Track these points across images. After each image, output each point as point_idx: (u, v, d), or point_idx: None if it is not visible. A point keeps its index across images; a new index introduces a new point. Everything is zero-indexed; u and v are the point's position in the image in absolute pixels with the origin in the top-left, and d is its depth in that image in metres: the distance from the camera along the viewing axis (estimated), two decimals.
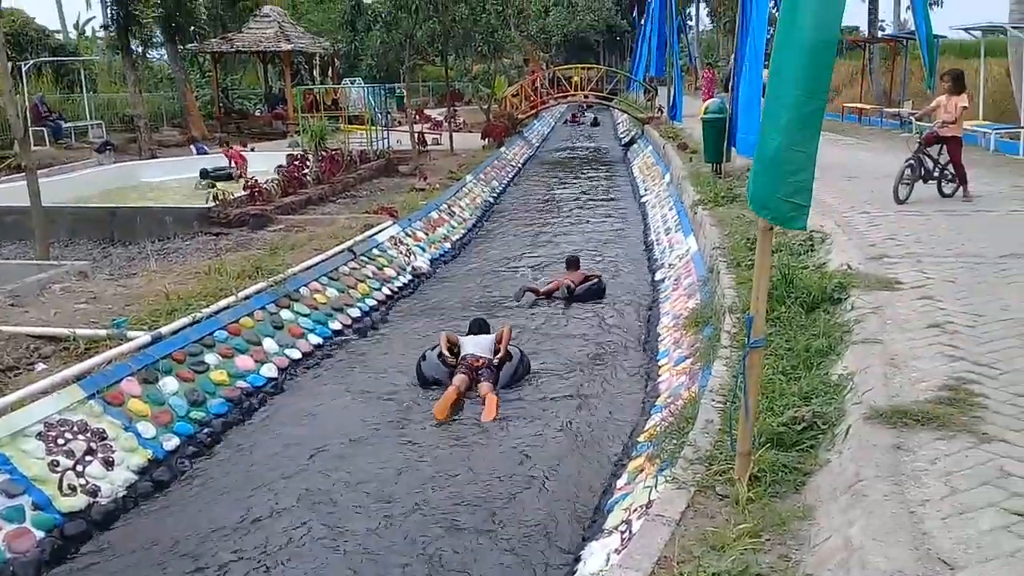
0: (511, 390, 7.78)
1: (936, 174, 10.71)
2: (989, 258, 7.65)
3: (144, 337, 7.29)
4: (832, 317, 6.37)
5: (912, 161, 10.47)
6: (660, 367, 7.95)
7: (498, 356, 7.97)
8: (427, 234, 13.93)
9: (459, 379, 7.62)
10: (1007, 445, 4.00)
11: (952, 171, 10.65)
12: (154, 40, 26.48)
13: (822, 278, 7.10)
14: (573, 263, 11.47)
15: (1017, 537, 3.26)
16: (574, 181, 23.15)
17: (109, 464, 5.98)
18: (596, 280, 11.10)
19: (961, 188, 10.63)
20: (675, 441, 5.24)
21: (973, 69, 18.39)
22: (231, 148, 19.62)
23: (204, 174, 18.40)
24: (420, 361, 8.08)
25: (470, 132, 27.73)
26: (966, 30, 18.99)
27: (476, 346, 8.07)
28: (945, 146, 10.56)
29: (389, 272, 11.58)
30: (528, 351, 8.50)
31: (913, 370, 5.03)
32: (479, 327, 8.59)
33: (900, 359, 5.21)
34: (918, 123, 10.87)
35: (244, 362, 7.93)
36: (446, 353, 8.09)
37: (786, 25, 3.74)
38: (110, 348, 7.05)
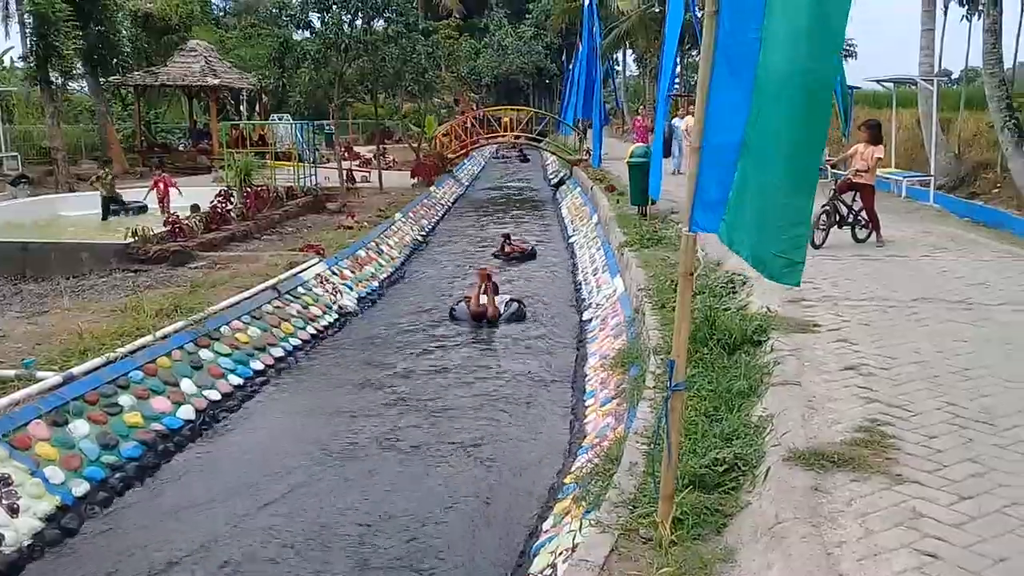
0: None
1: (850, 220, 11.10)
2: (902, 302, 7.92)
3: (54, 378, 7.02)
4: (752, 359, 6.50)
5: (827, 207, 10.83)
6: (587, 407, 7.98)
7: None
8: (354, 272, 13.79)
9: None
10: (919, 486, 4.12)
11: (865, 217, 11.06)
12: (75, 72, 25.81)
13: (743, 320, 7.25)
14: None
15: None
16: (504, 220, 23.26)
17: (14, 511, 5.71)
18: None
19: (874, 234, 11.03)
20: (600, 483, 5.25)
21: (886, 119, 19.19)
22: (161, 174, 19.11)
23: (107, 207, 17.74)
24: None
25: (400, 170, 27.70)
26: (879, 82, 19.85)
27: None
28: (859, 193, 10.96)
29: (315, 311, 11.41)
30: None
31: (830, 412, 5.15)
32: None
33: (817, 401, 5.34)
34: (833, 170, 11.28)
35: (160, 404, 7.68)
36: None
37: (775, 66, 3.64)
38: (18, 389, 6.77)
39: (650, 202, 14.80)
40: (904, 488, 4.11)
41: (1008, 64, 17.45)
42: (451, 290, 14.00)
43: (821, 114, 3.68)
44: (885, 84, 19.84)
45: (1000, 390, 5.46)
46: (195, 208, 15.86)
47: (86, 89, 28.90)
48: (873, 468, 4.32)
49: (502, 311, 11.71)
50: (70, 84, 30.02)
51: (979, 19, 16.81)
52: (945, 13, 19.09)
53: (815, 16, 3.48)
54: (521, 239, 17.47)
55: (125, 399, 7.39)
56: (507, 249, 16.56)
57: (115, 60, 27.66)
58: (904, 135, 19.89)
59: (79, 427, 6.76)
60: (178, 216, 14.58)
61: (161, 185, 18.10)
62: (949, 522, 3.77)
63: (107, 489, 6.47)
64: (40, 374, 7.08)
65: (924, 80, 17.21)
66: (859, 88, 23.26)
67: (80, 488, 6.30)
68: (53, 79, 23.50)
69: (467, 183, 33.02)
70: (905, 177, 16.97)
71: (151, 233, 13.50)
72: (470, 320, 11.64)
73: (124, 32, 28.76)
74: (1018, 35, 19.40)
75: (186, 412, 7.84)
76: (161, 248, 13.05)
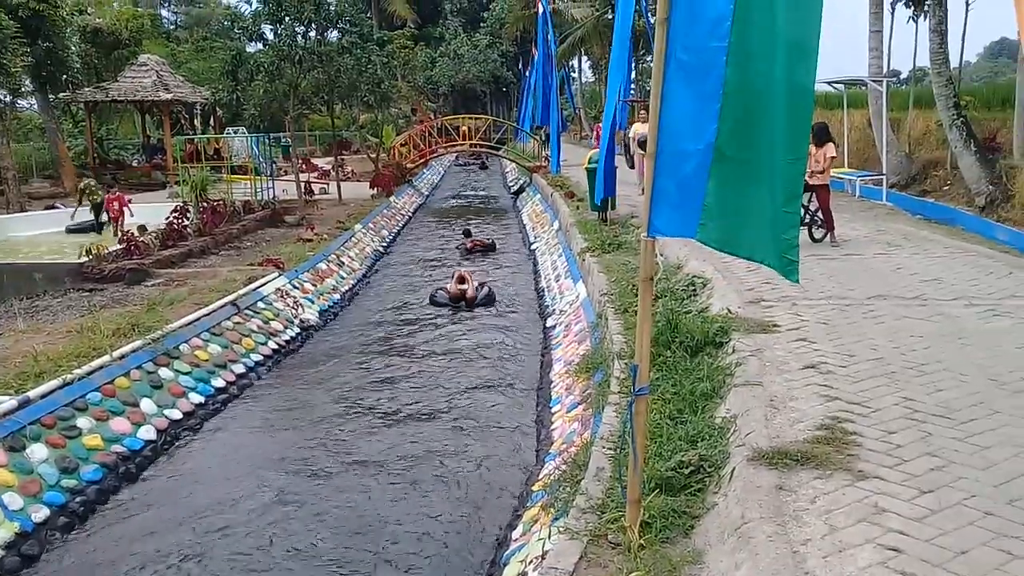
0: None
1: (807, 220, 11.27)
2: (858, 300, 8.06)
3: (10, 402, 6.86)
4: (715, 360, 6.56)
5: None
6: (553, 414, 7.99)
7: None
8: (315, 285, 13.68)
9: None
10: (880, 481, 4.18)
11: (821, 217, 11.23)
12: (23, 89, 25.32)
13: (705, 322, 7.31)
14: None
15: (893, 572, 3.40)
16: (471, 251, 23.18)
17: None
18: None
19: (829, 234, 11.21)
20: (568, 489, 5.26)
21: (837, 119, 19.53)
22: (115, 192, 18.78)
23: (99, 215, 17.75)
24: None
25: (359, 181, 27.56)
26: (830, 83, 20.19)
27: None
28: (815, 193, 11.14)
29: (276, 325, 11.29)
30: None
31: (792, 411, 5.21)
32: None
33: (779, 400, 5.40)
34: None
35: (120, 425, 7.55)
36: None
37: (755, 76, 3.73)
38: None
39: (610, 207, 14.88)
40: (866, 484, 4.17)
41: (955, 63, 17.84)
42: (415, 298, 13.95)
43: (804, 121, 3.77)
44: (835, 86, 20.17)
45: (956, 384, 5.57)
46: (142, 229, 15.58)
47: (35, 106, 28.33)
48: (835, 465, 4.38)
49: (477, 295, 13.35)
50: (19, 102, 29.43)
51: (925, 20, 17.15)
52: (892, 14, 19.45)
53: (791, 23, 3.55)
54: (484, 236, 19.78)
55: (84, 421, 7.25)
56: (469, 245, 18.65)
57: (64, 76, 27.20)
58: (856, 135, 20.23)
59: (37, 451, 6.62)
60: (133, 233, 14.35)
61: (116, 204, 17.81)
62: (911, 516, 3.83)
63: (68, 514, 6.35)
64: None
65: (873, 81, 17.53)
66: None
67: (40, 514, 6.17)
68: (1, 97, 23.05)
69: (427, 192, 32.96)
70: (858, 176, 17.27)
71: (106, 251, 13.28)
72: (450, 303, 13.28)
73: (73, 48, 28.31)
74: (963, 35, 19.85)
75: (147, 433, 7.71)
76: (117, 266, 12.84)
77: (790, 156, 3.72)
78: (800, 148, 3.77)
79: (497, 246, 18.99)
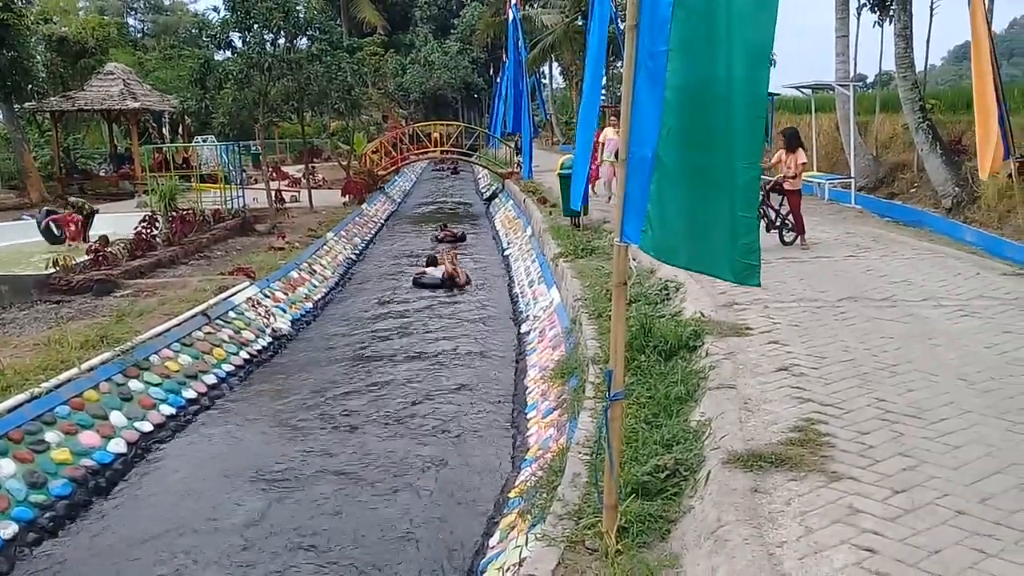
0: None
1: (778, 223, 11.37)
2: (829, 302, 8.13)
3: None
4: (689, 364, 6.59)
5: (759, 211, 11.07)
6: (529, 420, 7.98)
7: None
8: (287, 294, 13.57)
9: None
10: (854, 482, 4.21)
11: (791, 220, 11.34)
12: None
13: (678, 326, 7.34)
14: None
15: (868, 572, 3.41)
16: (443, 241, 23.14)
17: None
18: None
19: (799, 237, 11.31)
20: (545, 496, 5.24)
21: (805, 123, 19.76)
22: (68, 212, 18.47)
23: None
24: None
25: (330, 189, 27.41)
26: (797, 88, 20.42)
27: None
28: (786, 197, 11.25)
29: (247, 335, 11.18)
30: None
31: (765, 413, 5.24)
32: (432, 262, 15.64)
33: (753, 403, 5.43)
34: (764, 176, 11.56)
35: (89, 438, 7.43)
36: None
37: (701, 81, 3.75)
38: None
39: (582, 213, 14.92)
40: (840, 485, 4.19)
41: (920, 67, 18.10)
42: (388, 306, 13.89)
43: (758, 125, 3.75)
44: (803, 90, 20.41)
45: (926, 384, 5.63)
46: (104, 239, 15.34)
47: (0, 117, 27.89)
48: (809, 467, 4.40)
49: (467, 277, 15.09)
50: None
51: (890, 24, 17.40)
52: (858, 19, 19.73)
53: (742, 27, 3.55)
54: (454, 228, 22.49)
55: (52, 435, 7.13)
56: (441, 235, 21.53)
57: (30, 86, 26.74)
58: (824, 139, 20.48)
59: (4, 466, 6.50)
60: (100, 244, 14.15)
61: (72, 226, 17.51)
62: (885, 516, 3.85)
63: (37, 530, 6.23)
64: None
65: (840, 85, 17.75)
66: (779, 94, 23.90)
67: (8, 530, 6.05)
68: None
69: (399, 199, 32.87)
70: (827, 180, 17.46)
71: (73, 262, 13.09)
72: (441, 284, 14.77)
73: (38, 57, 27.85)
74: (928, 39, 20.21)
75: (117, 446, 7.60)
76: (84, 278, 12.64)
77: (744, 161, 3.72)
78: (754, 152, 3.76)
79: (467, 237, 21.68)
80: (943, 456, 4.48)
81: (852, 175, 16.85)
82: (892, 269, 9.60)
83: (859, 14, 19.94)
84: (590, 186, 16.65)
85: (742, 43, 3.59)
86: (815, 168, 18.61)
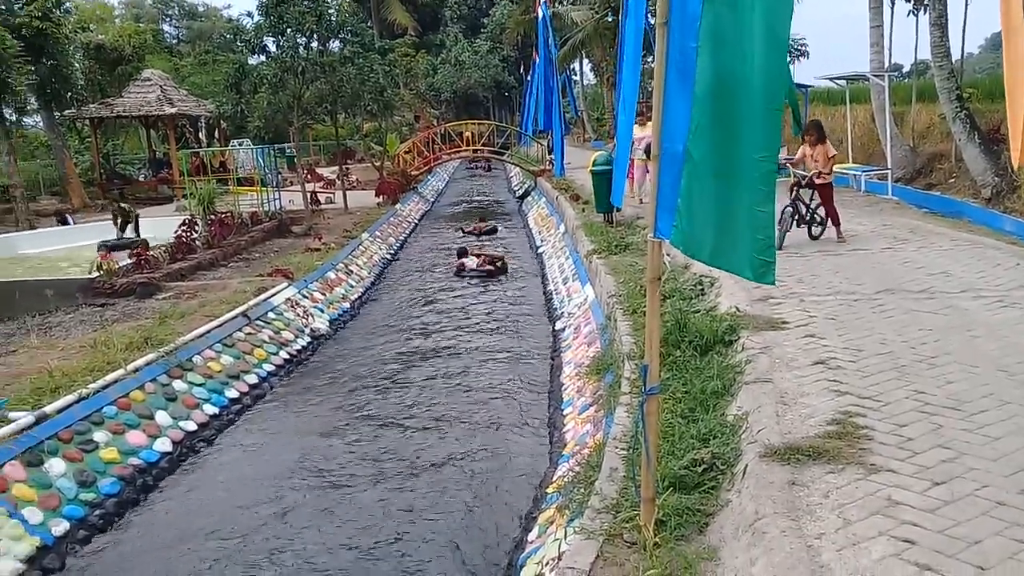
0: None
1: (808, 218, 11.28)
2: (866, 295, 8.08)
3: (27, 417, 6.94)
4: (724, 359, 6.59)
5: (790, 206, 11.01)
6: (565, 416, 8.03)
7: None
8: (325, 295, 13.75)
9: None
10: (893, 475, 4.21)
11: (821, 214, 11.24)
12: (28, 107, 25.55)
13: (713, 321, 7.35)
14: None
15: (907, 563, 3.43)
16: (472, 234, 23.27)
17: None
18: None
19: (836, 230, 11.21)
20: (582, 490, 5.30)
21: (840, 115, 19.55)
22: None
23: (103, 246, 17.70)
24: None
25: (364, 190, 27.63)
26: (832, 79, 20.21)
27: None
28: (817, 191, 11.15)
29: (287, 335, 11.36)
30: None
31: (802, 407, 5.24)
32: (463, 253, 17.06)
33: (790, 397, 5.43)
34: (794, 169, 11.48)
35: (136, 438, 7.62)
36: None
37: (726, 75, 3.78)
38: None
39: (615, 209, 14.92)
40: (878, 477, 4.20)
41: (956, 56, 17.83)
42: (423, 304, 14.01)
43: (776, 117, 3.77)
44: (838, 82, 20.20)
45: (965, 376, 5.60)
46: (144, 243, 15.59)
47: (41, 124, 28.51)
48: (847, 459, 4.41)
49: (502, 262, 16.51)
50: (24, 120, 29.69)
51: (925, 14, 17.17)
52: (892, 9, 19.47)
53: (764, 17, 3.59)
54: (485, 222, 23.69)
55: (100, 435, 7.32)
56: (474, 228, 22.73)
57: (69, 93, 27.40)
58: (859, 130, 20.24)
59: (55, 466, 6.69)
60: (142, 248, 14.45)
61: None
62: (923, 508, 3.86)
63: (87, 527, 6.42)
64: (13, 415, 6.99)
65: (875, 76, 17.55)
66: (812, 86, 23.66)
67: (60, 527, 6.24)
68: (6, 116, 23.23)
69: (432, 199, 33.04)
70: (863, 171, 17.27)
71: (116, 266, 13.37)
72: (483, 275, 15.99)
73: (77, 65, 28.50)
74: (964, 27, 19.87)
75: (163, 445, 7.78)
76: (127, 281, 12.93)
77: (760, 154, 3.74)
78: (771, 145, 3.76)
79: (498, 229, 22.97)
80: (983, 448, 4.46)
81: (888, 166, 16.64)
82: (930, 260, 9.51)
83: (893, 3, 19.67)
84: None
85: (763, 34, 3.62)
86: (850, 160, 18.42)
